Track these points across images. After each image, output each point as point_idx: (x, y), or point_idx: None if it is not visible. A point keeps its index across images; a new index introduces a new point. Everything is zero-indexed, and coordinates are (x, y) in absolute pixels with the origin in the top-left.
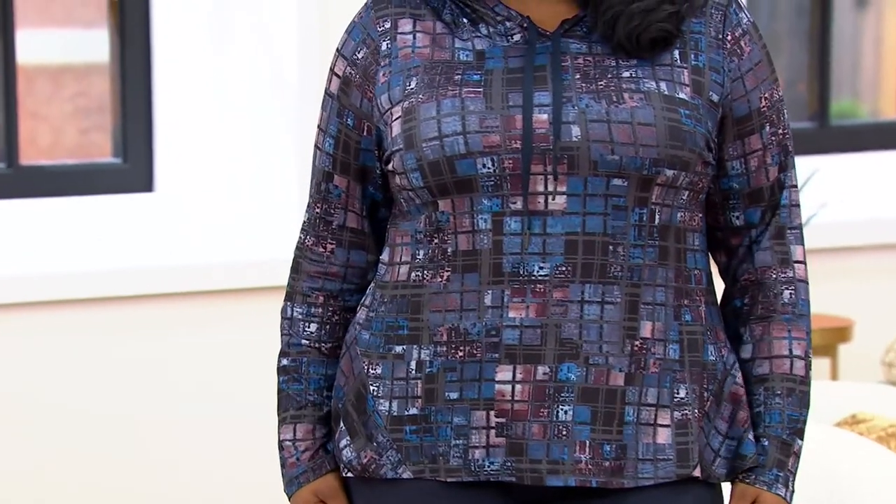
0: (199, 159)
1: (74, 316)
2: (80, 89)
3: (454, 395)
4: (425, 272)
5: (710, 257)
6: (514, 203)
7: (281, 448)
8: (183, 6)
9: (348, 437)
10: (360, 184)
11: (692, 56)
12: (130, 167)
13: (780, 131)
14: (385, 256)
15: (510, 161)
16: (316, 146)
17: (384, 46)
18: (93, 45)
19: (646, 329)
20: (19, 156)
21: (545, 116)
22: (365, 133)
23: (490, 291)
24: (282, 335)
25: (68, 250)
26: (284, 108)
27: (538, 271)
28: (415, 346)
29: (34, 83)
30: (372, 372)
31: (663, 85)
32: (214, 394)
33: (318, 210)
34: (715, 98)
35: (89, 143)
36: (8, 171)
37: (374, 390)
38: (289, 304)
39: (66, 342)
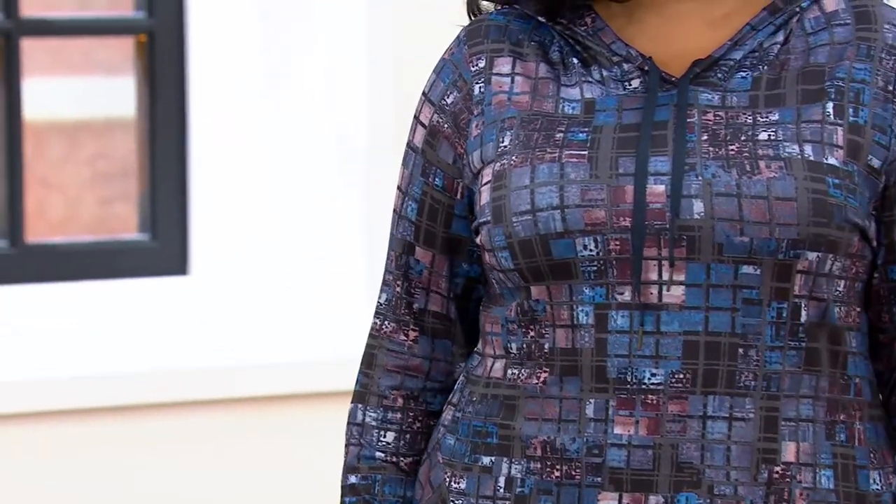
0: (242, 236)
1: (91, 428)
2: (99, 150)
3: None
4: (522, 370)
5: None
6: (622, 294)
7: None
8: (226, 48)
9: None
10: (447, 258)
11: (850, 111)
12: (160, 245)
13: None
14: (479, 346)
15: (617, 242)
16: (395, 211)
17: (477, 90)
18: (116, 95)
19: (789, 452)
20: (25, 232)
21: (661, 188)
22: (458, 196)
23: (592, 400)
24: (349, 445)
25: (84, 347)
26: (349, 176)
27: (650, 378)
28: (504, 459)
29: (44, 143)
30: (455, 486)
31: (808, 148)
32: None
33: (398, 289)
34: (876, 164)
35: (110, 216)
36: (11, 251)
37: None
38: (360, 406)
39: (81, 458)
